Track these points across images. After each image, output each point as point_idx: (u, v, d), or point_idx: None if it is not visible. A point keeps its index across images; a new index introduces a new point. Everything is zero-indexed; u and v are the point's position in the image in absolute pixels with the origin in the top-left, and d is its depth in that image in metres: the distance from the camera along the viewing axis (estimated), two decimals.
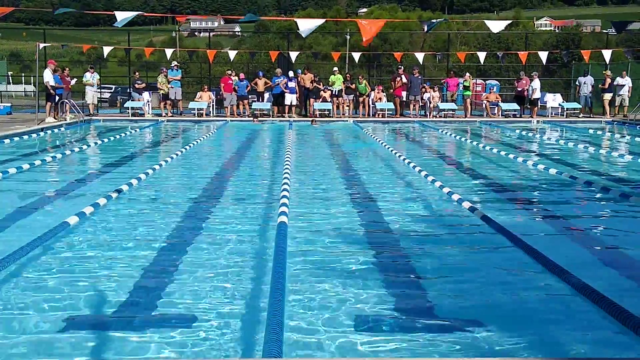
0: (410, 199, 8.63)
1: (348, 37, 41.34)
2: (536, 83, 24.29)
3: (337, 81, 24.12)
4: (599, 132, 19.55)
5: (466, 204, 7.57)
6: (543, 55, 26.12)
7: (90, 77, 23.28)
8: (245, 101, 24.22)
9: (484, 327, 4.07)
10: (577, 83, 25.41)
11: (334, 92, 24.09)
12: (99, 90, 24.33)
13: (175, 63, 24.60)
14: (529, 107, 25.02)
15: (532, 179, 10.46)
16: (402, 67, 25.25)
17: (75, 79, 24.41)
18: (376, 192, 9.14)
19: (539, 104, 25.88)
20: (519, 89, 24.72)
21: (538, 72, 25.61)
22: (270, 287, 4.40)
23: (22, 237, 5.83)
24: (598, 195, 8.93)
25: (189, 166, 12.01)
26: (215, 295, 4.60)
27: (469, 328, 4.05)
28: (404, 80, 24.26)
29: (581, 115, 25.09)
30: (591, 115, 24.82)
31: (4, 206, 7.64)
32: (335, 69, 24.75)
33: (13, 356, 3.61)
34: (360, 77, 25.02)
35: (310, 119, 22.47)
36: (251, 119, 22.50)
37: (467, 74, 25.42)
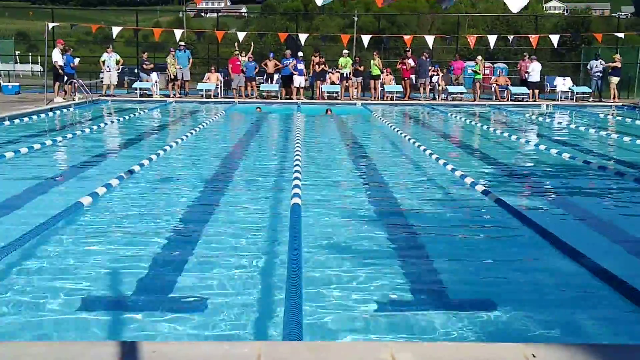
0: (422, 182, 8.60)
1: (356, 18, 41.16)
2: (534, 66, 24.04)
3: (348, 64, 23.93)
4: (610, 117, 19.43)
5: (479, 187, 7.53)
6: (554, 39, 25.88)
7: (107, 57, 23.11)
8: (253, 83, 24.14)
9: (498, 310, 4.07)
10: (588, 67, 25.20)
11: (344, 75, 23.93)
12: (118, 70, 23.87)
13: (182, 44, 24.46)
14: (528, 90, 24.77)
15: (545, 163, 10.42)
16: (410, 50, 25.04)
17: (78, 59, 24.12)
18: (387, 174, 9.12)
19: (548, 88, 25.73)
20: (525, 73, 24.54)
21: (546, 55, 25.38)
22: (287, 269, 4.39)
23: (35, 218, 5.83)
24: (612, 180, 8.88)
25: (199, 147, 11.99)
26: (231, 277, 4.60)
27: (483, 311, 4.05)
28: (412, 63, 24.09)
29: (591, 99, 24.92)
30: (601, 100, 24.65)
31: (16, 186, 7.65)
32: (346, 51, 24.50)
33: (28, 335, 3.63)
34: (375, 53, 24.79)
35: (321, 103, 22.32)
36: (257, 101, 22.23)
37: (479, 57, 25.19)
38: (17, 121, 14.90)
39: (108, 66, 23.10)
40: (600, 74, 24.45)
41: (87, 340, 3.47)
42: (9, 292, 4.22)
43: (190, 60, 24.35)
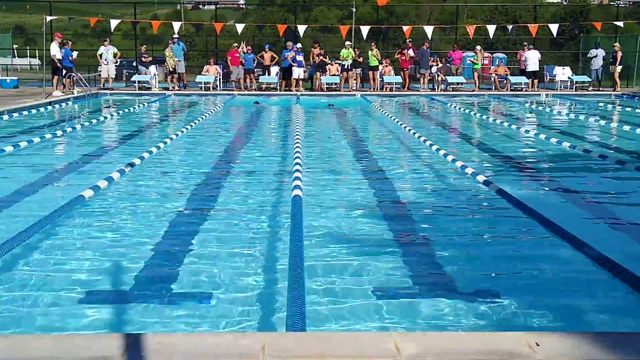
0: (423, 173, 8.62)
1: (354, 9, 41.02)
2: (528, 54, 23.96)
3: (350, 56, 23.85)
4: (610, 106, 19.41)
5: (481, 178, 7.53)
6: (553, 28, 25.80)
7: (105, 50, 23.04)
8: (252, 75, 24.11)
9: (500, 299, 4.08)
10: (589, 56, 25.11)
11: (346, 67, 23.86)
12: (115, 63, 23.74)
13: (176, 36, 24.36)
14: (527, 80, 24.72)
15: (545, 152, 10.42)
16: (411, 41, 24.95)
17: (76, 52, 24.00)
18: (387, 165, 9.13)
19: (547, 77, 25.65)
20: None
21: (546, 45, 25.30)
22: (289, 261, 4.39)
23: (37, 211, 5.85)
24: (613, 169, 8.89)
25: (198, 140, 11.98)
26: (233, 269, 4.61)
27: (485, 300, 4.06)
28: (412, 54, 24.04)
29: (590, 88, 24.87)
30: (600, 89, 24.61)
31: (17, 181, 7.65)
32: (348, 43, 24.40)
33: (32, 329, 3.64)
34: (373, 43, 24.71)
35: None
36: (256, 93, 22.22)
37: (478, 47, 25.13)
38: (16, 115, 14.89)
39: (106, 59, 23.03)
40: (601, 63, 24.38)
41: (92, 332, 3.48)
42: (13, 286, 4.24)
43: (184, 52, 24.29)
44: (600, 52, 24.30)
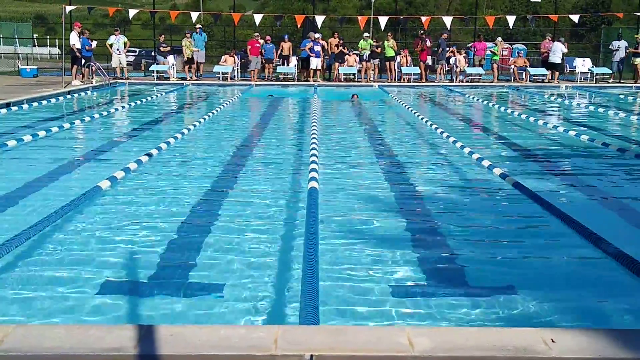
0: (439, 165, 8.55)
1: (373, 0, 40.77)
2: (555, 46, 23.70)
3: (368, 46, 23.81)
4: (630, 98, 19.17)
5: (497, 171, 7.48)
6: (575, 18, 25.45)
7: (115, 40, 23.12)
8: (270, 65, 24.12)
9: (516, 295, 4.04)
10: (611, 47, 24.78)
11: (364, 57, 23.82)
12: (127, 53, 23.77)
13: (199, 26, 24.43)
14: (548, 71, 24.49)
15: (563, 146, 10.32)
16: (423, 32, 24.81)
17: (95, 42, 24.07)
18: (404, 158, 9.08)
19: (567, 69, 25.37)
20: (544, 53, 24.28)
21: (565, 36, 25.02)
22: (304, 254, 4.38)
23: (54, 202, 5.88)
24: (631, 163, 8.78)
25: (216, 130, 11.99)
26: (248, 261, 4.60)
27: (501, 296, 4.02)
28: (428, 44, 23.92)
29: (611, 80, 24.59)
30: (621, 81, 24.31)
31: (34, 170, 7.69)
32: (367, 34, 24.33)
33: (46, 317, 3.67)
34: (389, 34, 24.64)
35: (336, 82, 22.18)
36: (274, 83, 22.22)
37: (499, 38, 24.93)
38: (35, 104, 14.99)
39: (117, 49, 23.07)
40: (623, 55, 24.07)
41: (106, 323, 3.50)
42: (29, 276, 4.26)
43: (205, 42, 24.33)
44: (622, 44, 23.99)
